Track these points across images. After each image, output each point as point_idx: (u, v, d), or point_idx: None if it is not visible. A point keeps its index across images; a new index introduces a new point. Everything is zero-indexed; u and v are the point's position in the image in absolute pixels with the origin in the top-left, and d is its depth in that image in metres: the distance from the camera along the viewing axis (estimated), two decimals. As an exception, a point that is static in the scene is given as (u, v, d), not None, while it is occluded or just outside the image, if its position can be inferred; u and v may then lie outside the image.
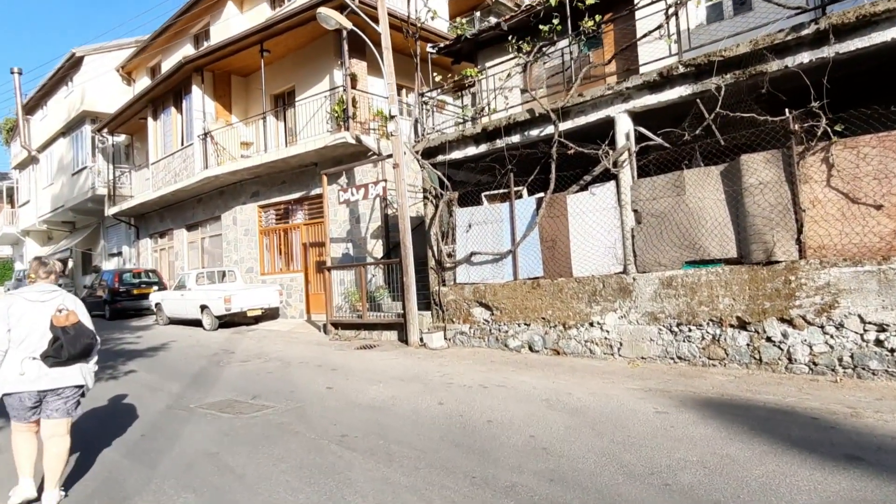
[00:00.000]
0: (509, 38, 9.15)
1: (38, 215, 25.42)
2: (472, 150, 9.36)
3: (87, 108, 21.21)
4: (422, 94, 10.51)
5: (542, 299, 8.27)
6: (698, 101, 6.73)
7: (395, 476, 3.93)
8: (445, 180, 9.64)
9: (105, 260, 23.37)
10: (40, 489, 3.79)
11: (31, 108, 25.85)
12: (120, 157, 21.82)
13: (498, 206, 9.15)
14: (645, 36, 7.51)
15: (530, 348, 8.42)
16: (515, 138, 8.69)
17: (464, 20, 11.74)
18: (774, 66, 6.13)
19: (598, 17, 7.91)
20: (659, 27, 7.19)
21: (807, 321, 5.92)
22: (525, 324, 8.48)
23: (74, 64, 21.91)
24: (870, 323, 5.57)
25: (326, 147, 12.28)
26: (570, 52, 9.01)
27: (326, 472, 4.06)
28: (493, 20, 13.28)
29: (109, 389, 7.24)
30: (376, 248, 12.74)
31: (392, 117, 10.17)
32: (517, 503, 3.43)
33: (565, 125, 8.07)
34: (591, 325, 7.72)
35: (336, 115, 12.52)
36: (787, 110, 6.09)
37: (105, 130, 20.18)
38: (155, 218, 19.87)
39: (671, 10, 7.11)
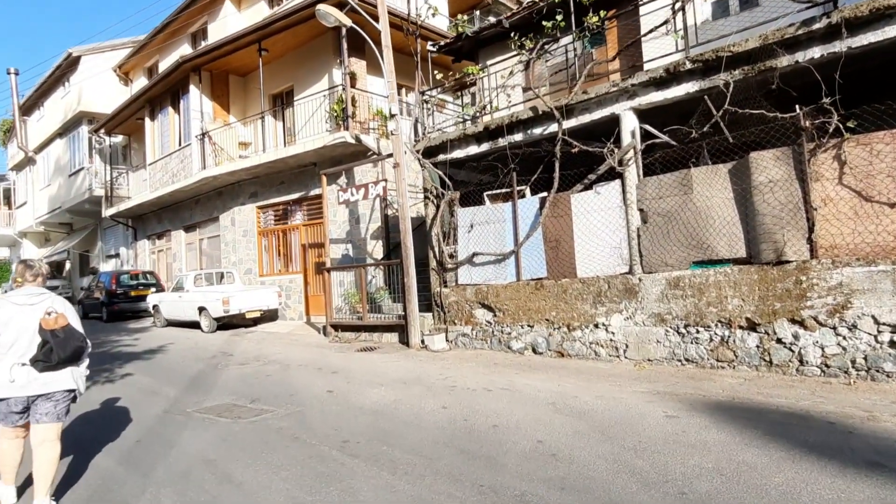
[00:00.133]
0: (512, 34, 9.01)
1: (36, 217, 25.24)
2: (473, 149, 9.22)
3: (83, 108, 21.06)
4: (422, 93, 10.37)
5: (545, 300, 8.13)
6: (706, 97, 6.60)
7: (399, 484, 3.79)
8: (447, 180, 9.50)
9: (103, 261, 23.20)
10: (22, 495, 3.66)
11: (28, 108, 25.69)
12: (117, 157, 21.64)
13: (500, 205, 9.01)
14: (651, 31, 7.37)
15: (534, 350, 8.28)
16: (518, 137, 8.56)
17: (465, 17, 11.57)
18: (784, 61, 5.99)
19: (602, 13, 7.77)
20: (665, 22, 7.07)
21: (819, 322, 5.79)
22: (528, 325, 8.33)
23: (71, 64, 21.75)
24: (884, 324, 5.44)
25: (325, 147, 12.14)
26: (574, 49, 8.88)
27: (329, 481, 3.91)
28: (492, 20, 13.15)
29: (105, 393, 7.09)
30: (376, 248, 12.59)
31: (392, 116, 10.03)
32: (528, 513, 3.30)
33: (569, 123, 7.94)
34: (597, 326, 7.59)
35: (335, 114, 12.38)
36: (797, 106, 5.96)
37: (102, 131, 20.01)
38: (152, 219, 19.71)
39: (678, 5, 6.98)
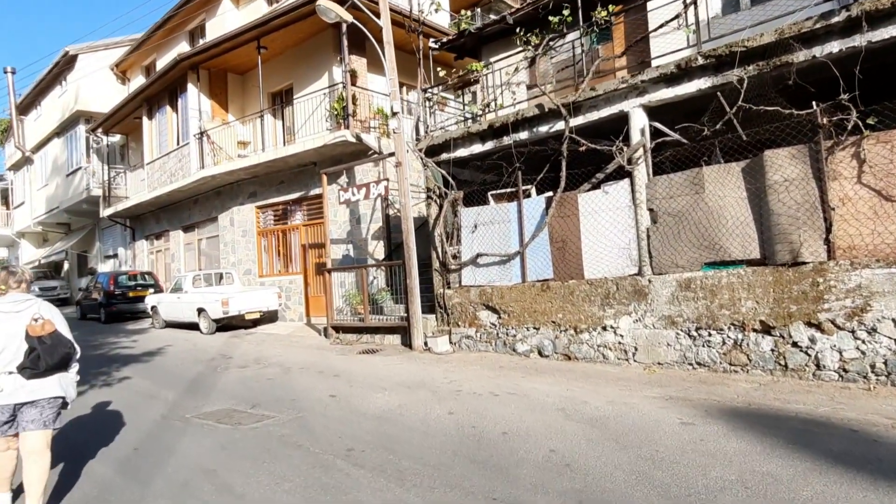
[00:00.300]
0: (517, 30, 8.82)
1: (33, 217, 25.04)
2: (477, 148, 9.04)
3: (81, 107, 20.85)
4: (425, 90, 10.19)
5: (551, 302, 7.95)
6: (718, 94, 6.42)
7: (408, 497, 3.61)
8: (450, 179, 9.32)
9: (101, 262, 23.00)
10: (18, 497, 3.49)
11: (25, 108, 25.49)
12: (115, 157, 21.44)
13: (505, 205, 8.83)
14: (662, 26, 7.20)
15: (540, 353, 8.11)
16: (523, 135, 8.38)
17: (468, 12, 11.38)
18: (801, 56, 5.82)
19: (611, 8, 7.59)
20: (677, 16, 6.88)
21: (836, 325, 5.62)
22: (534, 328, 8.16)
23: (68, 62, 21.54)
24: (905, 327, 5.27)
25: (326, 146, 11.95)
26: (581, 45, 8.70)
27: (333, 493, 3.73)
28: (493, 17, 12.97)
29: (102, 396, 6.91)
30: (377, 249, 12.41)
31: (394, 114, 9.83)
32: (545, 530, 3.13)
33: (576, 121, 7.77)
34: (605, 328, 7.41)
35: (335, 112, 12.18)
36: (814, 103, 5.78)
37: (99, 130, 19.81)
38: (151, 219, 19.51)
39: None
